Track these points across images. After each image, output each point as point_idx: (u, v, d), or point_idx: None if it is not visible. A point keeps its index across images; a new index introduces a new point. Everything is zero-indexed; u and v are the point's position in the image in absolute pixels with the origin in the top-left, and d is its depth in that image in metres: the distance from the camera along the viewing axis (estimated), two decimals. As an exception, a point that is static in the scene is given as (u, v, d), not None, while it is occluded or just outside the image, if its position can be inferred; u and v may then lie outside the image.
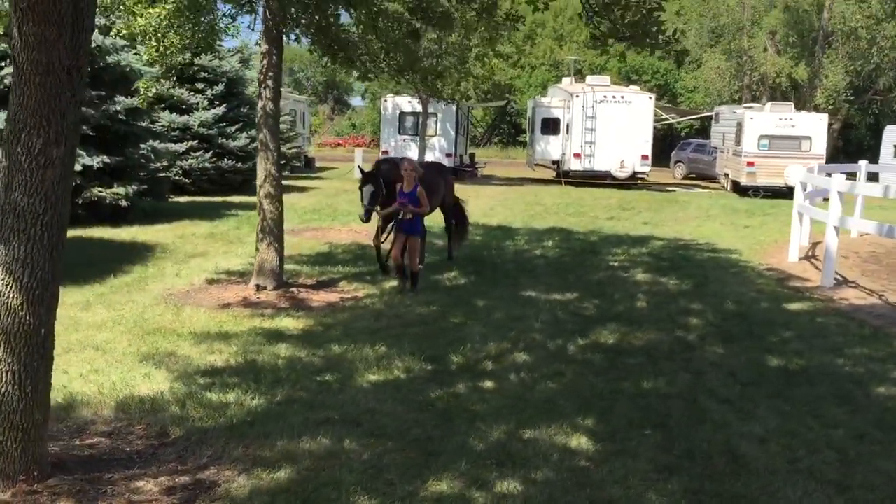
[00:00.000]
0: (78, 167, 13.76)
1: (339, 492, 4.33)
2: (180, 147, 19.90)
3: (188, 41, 9.12)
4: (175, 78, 19.78)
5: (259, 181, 9.46)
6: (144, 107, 12.85)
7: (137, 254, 11.88)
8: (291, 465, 4.64)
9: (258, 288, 9.33)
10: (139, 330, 7.59)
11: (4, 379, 3.91)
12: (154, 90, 16.95)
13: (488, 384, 6.39)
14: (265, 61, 9.19)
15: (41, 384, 4.05)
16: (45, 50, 3.64)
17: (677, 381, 6.68)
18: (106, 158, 14.20)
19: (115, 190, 14.37)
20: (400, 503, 4.26)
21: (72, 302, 8.64)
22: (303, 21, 8.31)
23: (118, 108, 14.54)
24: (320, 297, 9.39)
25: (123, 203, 14.50)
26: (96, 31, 9.17)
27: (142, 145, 15.30)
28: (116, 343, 7.10)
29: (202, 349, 6.98)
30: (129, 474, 4.41)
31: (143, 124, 15.85)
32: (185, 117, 20.56)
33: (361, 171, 9.87)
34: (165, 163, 18.77)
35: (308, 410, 5.57)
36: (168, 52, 9.17)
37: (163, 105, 20.40)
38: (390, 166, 10.25)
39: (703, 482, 4.70)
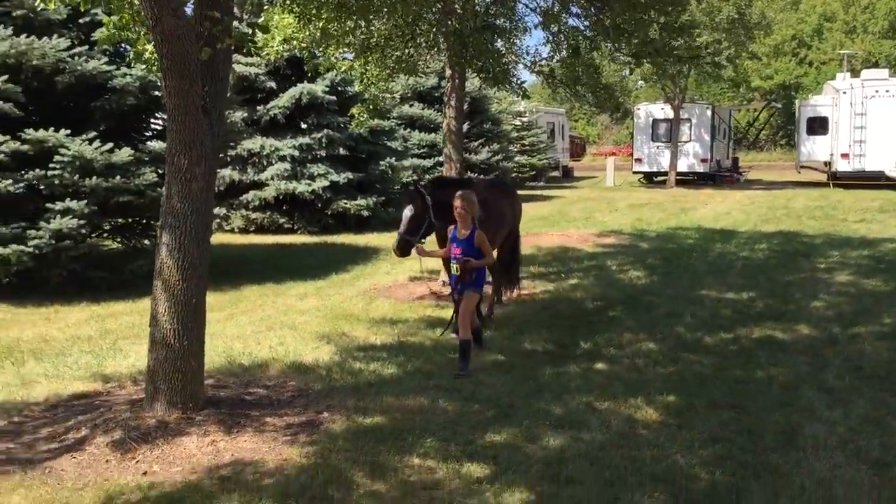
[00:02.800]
0: (326, 182, 16.08)
1: (411, 435, 5.34)
2: (427, 163, 21.92)
3: (389, 71, 10.60)
4: (421, 101, 21.89)
5: (445, 190, 10.69)
6: (356, 131, 14.69)
7: (363, 256, 13.71)
8: (385, 415, 5.73)
9: (443, 284, 10.56)
10: (331, 315, 9.12)
11: (169, 334, 5.42)
12: (394, 111, 19.13)
13: (599, 366, 7.03)
14: (449, 84, 10.43)
15: (195, 340, 5.52)
16: (181, 96, 5.09)
17: (793, 371, 6.83)
18: (350, 175, 16.39)
19: (358, 202, 16.50)
20: (455, 446, 5.17)
21: (294, 293, 10.49)
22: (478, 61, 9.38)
23: (362, 131, 16.65)
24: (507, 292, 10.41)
25: (365, 213, 16.59)
26: (342, 67, 10.88)
27: (381, 162, 17.35)
28: (308, 325, 8.65)
29: (370, 331, 8.31)
30: (263, 413, 5.77)
31: (385, 144, 17.94)
32: (433, 135, 22.59)
33: (405, 186, 7.97)
34: (415, 177, 20.94)
35: (425, 379, 6.63)
36: (370, 82, 10.76)
37: (413, 126, 22.61)
38: (450, 187, 7.57)
39: (739, 453, 5.07)
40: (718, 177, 33.31)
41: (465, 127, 23.06)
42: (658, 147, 32.91)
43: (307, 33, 8.79)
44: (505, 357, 7.33)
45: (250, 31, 5.50)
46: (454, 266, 6.87)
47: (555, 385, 6.46)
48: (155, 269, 5.47)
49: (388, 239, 15.67)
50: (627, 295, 10.18)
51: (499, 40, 10.22)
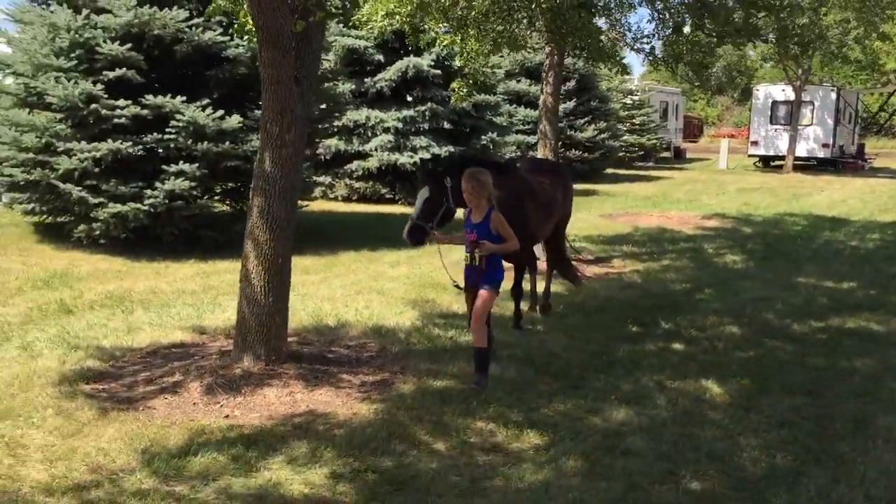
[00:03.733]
0: (428, 155, 16.34)
1: (476, 399, 5.53)
2: (532, 139, 21.88)
3: (488, 46, 10.70)
4: (529, 77, 21.84)
5: (538, 166, 10.75)
6: (458, 105, 14.81)
7: (459, 227, 13.89)
8: (455, 380, 5.94)
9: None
10: (419, 283, 9.38)
11: (257, 290, 5.78)
12: (501, 87, 19.19)
13: (676, 346, 7.02)
14: (548, 60, 10.45)
15: (280, 297, 5.86)
16: (275, 67, 5.38)
17: (880, 363, 6.65)
18: (452, 148, 16.60)
19: (459, 176, 16.70)
20: (517, 412, 5.33)
21: (387, 260, 10.82)
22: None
23: (465, 105, 16.79)
24: (585, 270, 10.42)
25: (465, 187, 16.77)
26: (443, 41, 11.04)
27: (482, 137, 17.47)
28: (396, 291, 8.94)
29: (454, 300, 8.51)
30: (341, 370, 6.08)
31: (488, 119, 18.04)
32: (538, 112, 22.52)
33: (418, 168, 6.44)
34: (519, 152, 21.02)
35: (500, 348, 6.79)
36: (470, 57, 10.88)
37: (520, 102, 22.60)
38: (477, 169, 6.01)
39: (804, 437, 5.02)
40: (841, 163, 31.82)
41: (572, 104, 22.97)
42: (776, 130, 31.69)
43: (407, 8, 9.00)
44: (582, 332, 7.41)
45: (342, 5, 5.75)
46: (467, 256, 5.84)
47: (627, 362, 6.50)
48: (246, 230, 5.83)
49: (486, 213, 15.83)
50: (719, 278, 10.02)
51: (600, 17, 10.15)
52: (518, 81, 22.70)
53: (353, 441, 4.84)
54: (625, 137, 29.17)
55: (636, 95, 32.18)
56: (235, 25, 6.63)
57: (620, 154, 28.48)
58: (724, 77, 57.29)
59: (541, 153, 10.77)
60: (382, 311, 7.99)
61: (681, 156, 38.13)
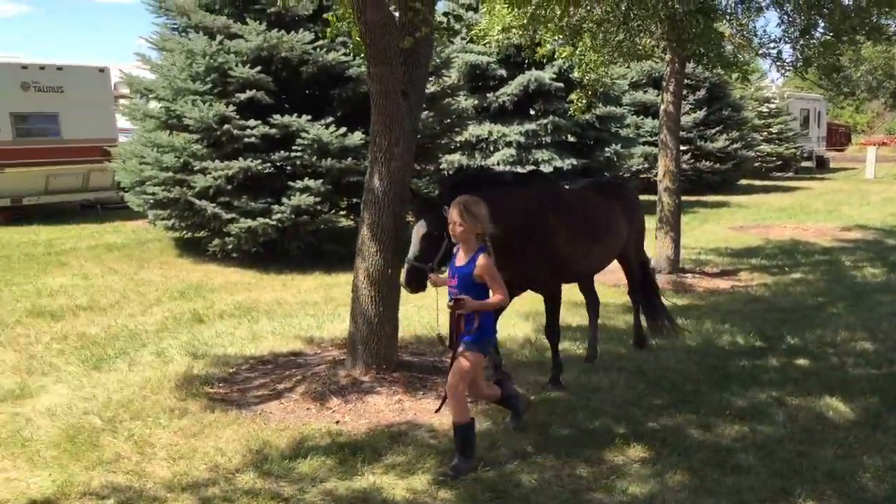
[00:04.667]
0: (550, 168, 16.27)
1: (584, 411, 5.46)
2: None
3: (607, 56, 10.59)
4: (656, 87, 21.35)
5: (658, 177, 10.54)
6: (580, 117, 14.66)
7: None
8: (563, 392, 5.90)
9: (653, 271, 10.41)
10: (533, 295, 9.32)
11: (366, 301, 5.94)
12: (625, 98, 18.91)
13: (800, 361, 6.69)
14: (668, 69, 10.23)
15: (389, 307, 5.99)
16: (383, 82, 5.53)
17: None
18: (574, 161, 16.48)
19: (581, 188, 16.55)
20: (625, 426, 5.23)
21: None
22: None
23: (589, 117, 16.65)
24: (709, 283, 10.10)
25: (588, 200, 16.60)
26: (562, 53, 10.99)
27: (606, 149, 17.24)
28: (512, 303, 8.92)
29: (570, 312, 8.37)
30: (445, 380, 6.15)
31: (612, 131, 17.80)
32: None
33: (413, 192, 5.69)
34: (646, 164, 20.62)
35: (613, 360, 6.69)
36: (588, 68, 10.80)
37: (647, 113, 22.14)
38: (470, 197, 4.71)
39: (936, 461, 4.68)
40: None
41: (702, 114, 22.32)
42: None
43: (522, 21, 9.04)
44: (699, 346, 7.18)
45: (446, 20, 5.85)
46: (450, 305, 4.65)
47: (745, 376, 6.26)
48: (356, 242, 6.01)
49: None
50: (854, 292, 9.47)
51: (721, 22, 9.84)
52: (644, 92, 22.27)
53: (457, 449, 4.89)
54: (760, 147, 28.03)
55: (773, 103, 30.87)
56: (350, 46, 6.86)
57: (756, 164, 27.39)
58: (872, 81, 54.02)
59: (661, 164, 10.52)
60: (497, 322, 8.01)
61: (824, 165, 36.26)
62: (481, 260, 4.56)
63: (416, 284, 5.07)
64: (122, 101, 15.68)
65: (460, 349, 4.67)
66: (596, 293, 7.06)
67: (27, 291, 9.49)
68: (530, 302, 8.85)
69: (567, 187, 6.81)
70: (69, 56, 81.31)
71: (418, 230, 5.02)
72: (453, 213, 4.58)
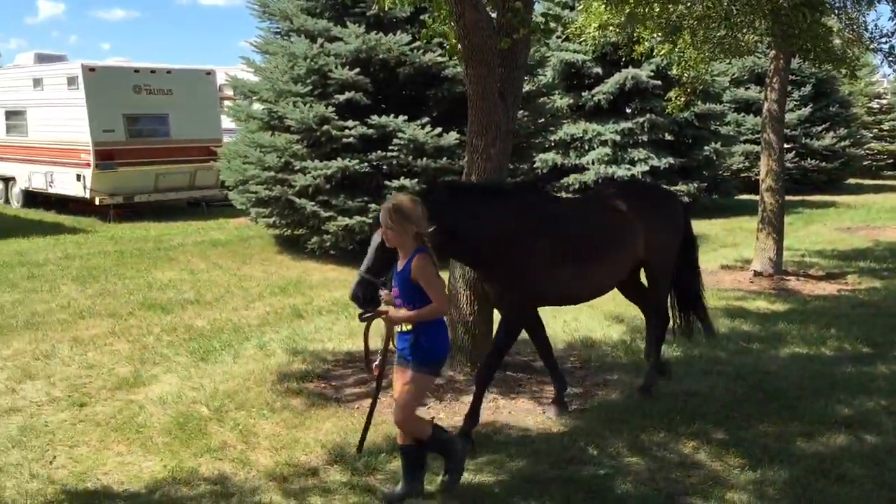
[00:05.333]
0: (646, 167, 16.04)
1: (680, 415, 5.38)
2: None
3: (707, 53, 10.36)
4: (759, 84, 20.72)
5: (761, 176, 10.25)
6: (678, 115, 14.35)
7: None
8: (658, 394, 5.82)
9: (755, 273, 10.14)
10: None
11: (460, 301, 6.00)
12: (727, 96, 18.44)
13: (909, 371, 6.41)
14: (772, 65, 9.94)
15: (484, 306, 6.03)
16: (480, 83, 5.58)
17: None
18: (672, 160, 16.19)
19: (678, 187, 16.24)
20: (723, 432, 5.13)
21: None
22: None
23: (688, 115, 16.31)
24: (814, 287, 9.76)
25: (686, 199, 16.27)
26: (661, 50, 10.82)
27: (705, 148, 16.85)
28: (605, 304, 8.73)
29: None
30: (544, 380, 6.14)
31: (711, 129, 17.39)
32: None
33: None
34: (747, 163, 20.07)
35: (710, 364, 6.57)
36: (687, 65, 10.59)
37: (749, 110, 21.52)
38: (401, 195, 4.41)
39: None
40: None
41: (808, 111, 21.54)
42: None
43: (619, 18, 8.95)
44: (803, 350, 6.96)
45: (544, 21, 5.85)
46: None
47: (852, 384, 6.04)
48: (453, 241, 6.08)
49: (708, 227, 15.25)
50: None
51: (831, 16, 9.50)
52: (746, 89, 21.64)
53: (551, 449, 4.91)
54: (870, 145, 26.83)
55: (885, 99, 29.49)
56: (447, 47, 6.94)
57: (865, 163, 26.24)
58: None
59: (764, 164, 10.23)
60: (590, 323, 7.98)
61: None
62: (416, 261, 4.05)
63: (363, 299, 4.43)
64: (226, 102, 16.29)
65: (405, 367, 4.20)
66: (666, 313, 6.06)
67: (139, 285, 9.97)
68: (626, 304, 8.79)
69: (567, 197, 6.02)
70: (175, 59, 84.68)
71: (374, 241, 4.53)
72: (382, 216, 4.12)
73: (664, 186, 6.69)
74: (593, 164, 16.56)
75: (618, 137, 16.43)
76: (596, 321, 8.08)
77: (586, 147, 16.87)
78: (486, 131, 5.74)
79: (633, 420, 5.32)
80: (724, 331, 7.63)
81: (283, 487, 4.48)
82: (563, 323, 7.99)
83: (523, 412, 5.57)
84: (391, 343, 4.31)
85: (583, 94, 17.16)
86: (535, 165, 16.01)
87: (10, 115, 17.57)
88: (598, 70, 17.02)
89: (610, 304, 8.77)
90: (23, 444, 5.08)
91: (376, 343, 4.79)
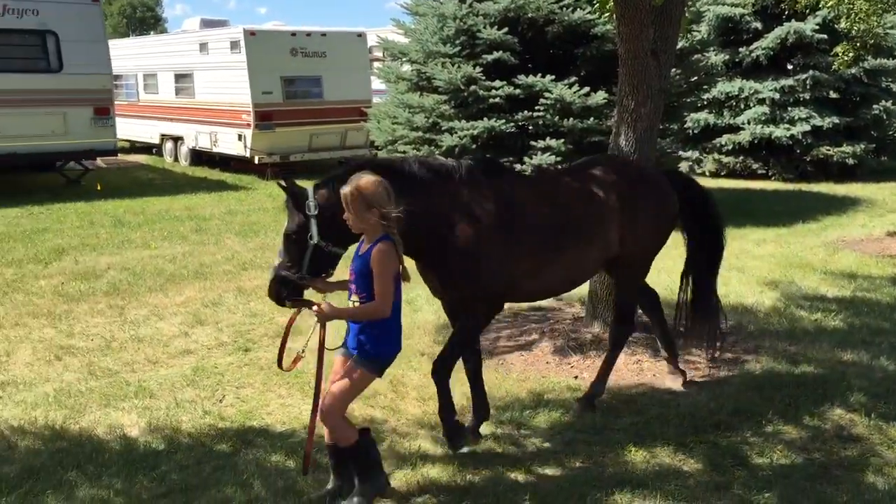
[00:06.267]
0: (807, 127, 15.17)
1: (837, 387, 5.19)
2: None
3: (879, 7, 9.66)
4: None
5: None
6: (844, 72, 13.41)
7: (839, 205, 12.77)
8: (813, 364, 5.63)
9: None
10: (785, 262, 8.86)
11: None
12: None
13: None
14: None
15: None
16: (632, 41, 5.47)
17: None
18: (836, 119, 15.23)
19: (843, 149, 15.29)
20: (884, 404, 4.91)
21: (752, 238, 10.35)
22: None
23: (856, 71, 15.27)
24: None
25: (850, 161, 15.32)
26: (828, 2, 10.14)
27: (874, 106, 15.75)
28: (758, 269, 8.53)
29: (823, 282, 7.96)
30: (690, 344, 6.07)
31: (883, 86, 16.23)
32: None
33: (285, 186, 4.04)
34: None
35: (872, 335, 6.26)
36: (857, 18, 9.90)
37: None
38: (364, 173, 3.81)
39: None
40: None
41: None
42: None
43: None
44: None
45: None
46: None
47: None
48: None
49: (875, 191, 14.33)
50: None
51: None
52: (923, 41, 19.94)
53: (697, 413, 4.86)
54: None
55: None
56: (596, 4, 6.83)
57: None
58: None
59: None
60: (741, 289, 7.74)
61: None
62: (377, 249, 3.66)
63: (279, 297, 4.04)
64: (376, 64, 16.66)
65: (349, 359, 3.83)
66: (626, 320, 5.12)
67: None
68: (781, 269, 8.47)
69: (528, 177, 5.12)
70: (328, 21, 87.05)
71: (283, 231, 4.06)
72: (344, 190, 3.66)
73: (654, 167, 5.39)
74: (749, 123, 15.82)
75: (777, 95, 15.59)
76: (747, 286, 7.83)
77: (742, 106, 16.12)
78: (636, 91, 5.64)
79: (785, 388, 5.18)
80: (887, 301, 7.22)
81: (430, 435, 4.67)
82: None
83: (669, 375, 5.51)
84: (324, 338, 3.86)
85: (740, 49, 16.35)
86: (685, 126, 15.49)
87: (179, 77, 18.69)
88: (758, 24, 16.15)
89: (763, 270, 8.50)
90: (196, 384, 5.54)
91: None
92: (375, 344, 3.79)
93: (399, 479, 4.15)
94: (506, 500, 3.93)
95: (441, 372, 4.38)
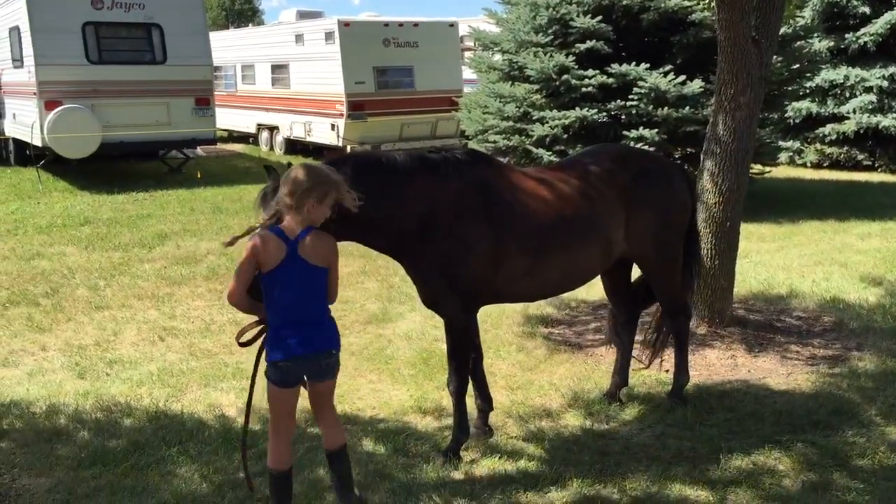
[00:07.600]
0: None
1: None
2: None
3: None
4: None
5: None
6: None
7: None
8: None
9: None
10: (892, 258, 8.48)
11: (703, 253, 5.84)
12: None
13: None
14: None
15: (726, 260, 5.84)
16: (732, 28, 5.31)
17: None
18: (951, 109, 14.46)
19: (957, 141, 14.52)
20: (888, 422, 4.67)
21: (856, 232, 9.95)
22: None
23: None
24: None
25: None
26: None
27: None
28: (862, 265, 8.19)
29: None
30: (788, 340, 5.88)
31: None
32: None
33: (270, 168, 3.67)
34: None
35: None
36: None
37: None
38: (358, 172, 3.70)
39: None
40: None
41: None
42: None
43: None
44: None
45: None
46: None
47: None
48: (695, 192, 5.92)
49: None
50: None
51: None
52: None
53: (794, 411, 4.73)
54: None
55: None
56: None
57: None
58: None
59: None
60: (843, 284, 7.46)
61: None
62: (312, 238, 3.36)
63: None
64: (467, 53, 16.68)
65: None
66: (682, 309, 4.93)
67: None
68: (888, 264, 8.12)
69: (523, 170, 4.51)
70: (419, 12, 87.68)
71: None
72: (286, 184, 3.35)
73: (662, 155, 4.59)
74: (854, 112, 15.17)
75: (885, 83, 14.89)
76: (849, 282, 7.54)
77: (847, 94, 15.46)
78: (736, 79, 5.49)
79: (890, 388, 4.98)
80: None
81: (520, 426, 4.68)
82: (811, 282, 7.55)
83: (764, 371, 5.38)
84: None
85: (846, 35, 15.67)
86: (786, 115, 14.97)
87: (275, 68, 19.15)
88: (866, 9, 15.44)
89: (868, 265, 8.17)
90: (290, 367, 5.69)
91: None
92: (269, 347, 3.45)
93: (487, 467, 4.18)
94: (593, 491, 3.91)
95: (455, 384, 4.23)
